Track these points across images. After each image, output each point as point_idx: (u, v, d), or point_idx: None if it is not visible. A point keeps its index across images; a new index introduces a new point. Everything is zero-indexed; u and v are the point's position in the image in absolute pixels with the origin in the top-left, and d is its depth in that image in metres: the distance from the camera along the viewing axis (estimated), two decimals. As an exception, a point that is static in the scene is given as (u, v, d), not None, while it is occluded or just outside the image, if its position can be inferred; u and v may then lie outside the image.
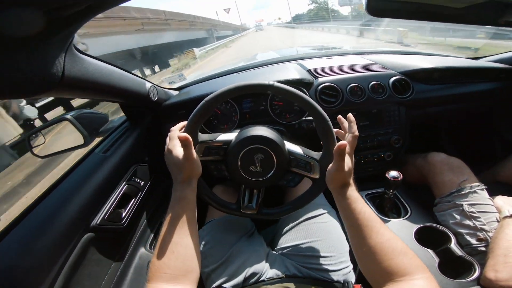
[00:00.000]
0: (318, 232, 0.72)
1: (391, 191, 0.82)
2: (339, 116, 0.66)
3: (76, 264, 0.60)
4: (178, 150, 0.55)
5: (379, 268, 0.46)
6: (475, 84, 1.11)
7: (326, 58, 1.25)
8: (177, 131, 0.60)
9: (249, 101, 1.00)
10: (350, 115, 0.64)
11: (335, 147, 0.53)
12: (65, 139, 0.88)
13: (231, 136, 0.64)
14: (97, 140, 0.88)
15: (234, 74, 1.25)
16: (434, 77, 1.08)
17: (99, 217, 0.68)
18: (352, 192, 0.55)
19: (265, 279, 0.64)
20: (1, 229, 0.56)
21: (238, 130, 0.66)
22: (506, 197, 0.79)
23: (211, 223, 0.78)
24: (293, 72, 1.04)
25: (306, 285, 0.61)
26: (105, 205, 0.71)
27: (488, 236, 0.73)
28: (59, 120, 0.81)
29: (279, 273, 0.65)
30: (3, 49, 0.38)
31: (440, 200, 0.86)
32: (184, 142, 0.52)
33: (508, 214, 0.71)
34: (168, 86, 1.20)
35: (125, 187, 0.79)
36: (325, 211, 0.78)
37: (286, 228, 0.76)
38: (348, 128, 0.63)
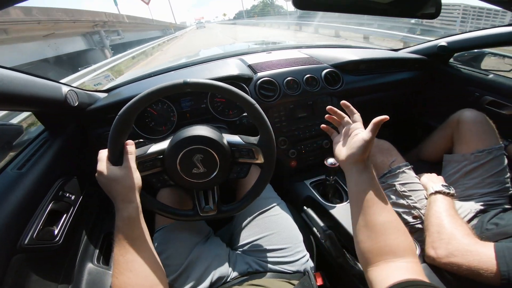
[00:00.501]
0: (272, 225, 0.73)
1: (331, 177, 0.86)
2: (329, 107, 0.62)
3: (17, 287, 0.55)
4: (109, 170, 0.52)
5: (378, 246, 0.45)
6: (396, 73, 1.25)
7: (266, 53, 1.26)
8: (103, 152, 0.56)
9: (188, 100, 0.95)
10: (344, 102, 0.61)
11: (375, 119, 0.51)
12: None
13: (163, 145, 0.61)
14: (11, 154, 0.79)
15: (172, 72, 1.16)
16: (360, 68, 1.18)
17: (26, 236, 0.61)
18: (370, 169, 0.52)
19: (230, 279, 0.64)
20: None
21: (171, 137, 0.63)
22: (428, 174, 0.90)
23: (162, 231, 0.73)
24: (233, 68, 1.02)
25: (270, 279, 0.63)
26: (30, 224, 0.63)
27: (421, 213, 0.80)
28: None
29: (242, 271, 0.66)
30: None
31: None
32: (128, 150, 0.54)
33: (433, 191, 0.78)
34: (94, 88, 1.03)
35: (51, 203, 0.70)
36: (275, 203, 0.79)
37: (241, 226, 0.76)
38: (350, 112, 0.61)
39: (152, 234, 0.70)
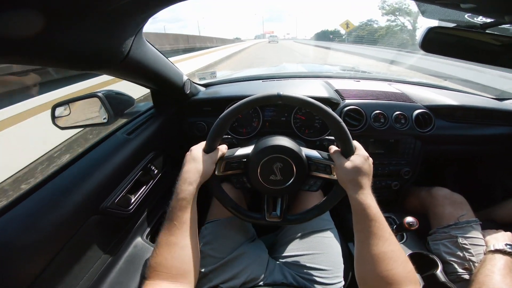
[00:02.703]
0: (320, 245, 0.73)
1: (397, 232, 0.83)
2: None
3: (75, 245, 0.59)
4: (198, 152, 0.60)
5: (379, 276, 0.46)
6: (494, 127, 1.09)
7: (354, 80, 1.25)
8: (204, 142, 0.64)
9: (272, 110, 1.01)
10: None
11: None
12: (88, 115, 0.88)
13: (248, 149, 0.66)
14: (119, 121, 0.89)
15: (260, 81, 1.26)
16: (457, 115, 1.07)
17: (110, 200, 0.67)
18: (367, 196, 0.55)
19: (263, 284, 0.65)
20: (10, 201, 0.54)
21: (255, 142, 0.68)
22: (494, 230, 0.85)
23: (213, 223, 0.78)
24: (321, 89, 1.04)
25: None
26: (118, 188, 0.70)
27: (473, 266, 0.78)
28: (89, 96, 0.82)
29: (277, 280, 0.66)
30: (80, 20, 0.39)
31: (437, 230, 0.90)
32: (220, 148, 0.61)
33: (493, 249, 0.75)
34: (197, 82, 1.22)
35: (139, 173, 0.79)
36: (329, 227, 0.79)
37: (289, 238, 0.77)
38: None
39: (202, 225, 0.77)
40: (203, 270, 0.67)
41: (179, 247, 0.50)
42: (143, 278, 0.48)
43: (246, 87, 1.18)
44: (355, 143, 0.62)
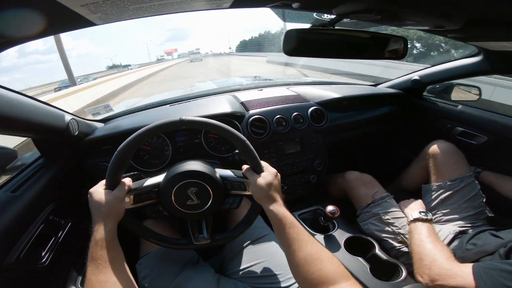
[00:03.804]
0: (263, 253, 0.75)
1: (326, 222, 0.91)
2: None
3: None
4: (99, 192, 0.57)
5: (310, 278, 0.49)
6: (376, 109, 1.34)
7: (257, 90, 1.34)
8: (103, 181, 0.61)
9: (182, 135, 0.99)
10: None
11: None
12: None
13: (159, 178, 0.64)
14: (3, 178, 0.80)
15: (167, 106, 1.22)
16: (343, 105, 1.26)
17: (13, 256, 0.62)
18: (280, 207, 0.59)
19: None
20: None
21: (166, 171, 0.67)
22: (407, 201, 0.97)
23: (148, 256, 0.74)
24: (226, 105, 1.07)
25: None
26: (18, 244, 0.64)
27: (405, 238, 0.86)
28: None
29: None
30: None
31: (361, 211, 1.00)
32: (125, 182, 0.59)
33: (412, 219, 0.84)
34: (92, 118, 1.09)
35: (41, 226, 0.72)
36: (266, 233, 0.82)
37: (233, 253, 0.78)
38: None
39: (136, 260, 0.74)
40: None
41: (111, 284, 0.49)
42: None
43: (151, 115, 1.11)
44: (262, 162, 0.66)
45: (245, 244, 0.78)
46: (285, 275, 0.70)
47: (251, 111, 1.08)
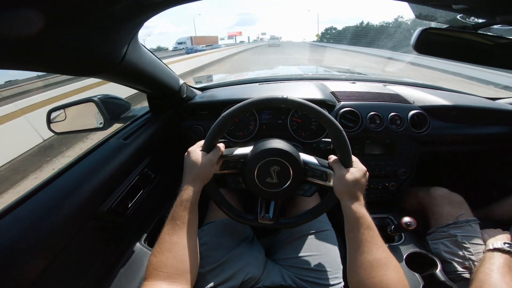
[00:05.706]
0: (318, 247, 0.74)
1: (396, 232, 0.86)
2: None
3: (73, 250, 0.58)
4: (197, 153, 0.60)
5: (369, 282, 0.48)
6: (489, 126, 1.10)
7: (349, 82, 1.26)
8: (201, 141, 0.64)
9: (268, 113, 1.01)
10: None
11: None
12: (84, 120, 0.88)
13: (247, 150, 0.66)
14: (115, 126, 0.88)
15: (257, 84, 1.26)
16: (451, 115, 1.08)
17: (107, 205, 0.67)
18: (361, 207, 0.57)
19: (261, 286, 0.65)
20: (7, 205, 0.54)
21: (253, 144, 0.68)
22: (493, 229, 0.86)
23: (210, 225, 0.78)
24: (316, 91, 1.05)
25: None
26: (115, 193, 0.70)
27: (473, 265, 0.80)
28: (85, 100, 0.82)
29: (275, 282, 0.66)
30: (76, 25, 0.39)
31: (436, 229, 0.92)
32: (219, 147, 0.61)
33: (491, 247, 0.76)
34: (194, 85, 1.22)
35: (137, 177, 0.78)
36: (327, 229, 0.80)
37: (287, 240, 0.77)
38: None
39: (200, 226, 0.77)
40: (201, 270, 0.67)
41: (181, 246, 0.51)
42: (143, 279, 0.49)
43: (242, 90, 1.18)
44: (353, 156, 0.63)
45: (300, 234, 0.76)
46: (333, 274, 0.68)
47: (342, 103, 1.03)
